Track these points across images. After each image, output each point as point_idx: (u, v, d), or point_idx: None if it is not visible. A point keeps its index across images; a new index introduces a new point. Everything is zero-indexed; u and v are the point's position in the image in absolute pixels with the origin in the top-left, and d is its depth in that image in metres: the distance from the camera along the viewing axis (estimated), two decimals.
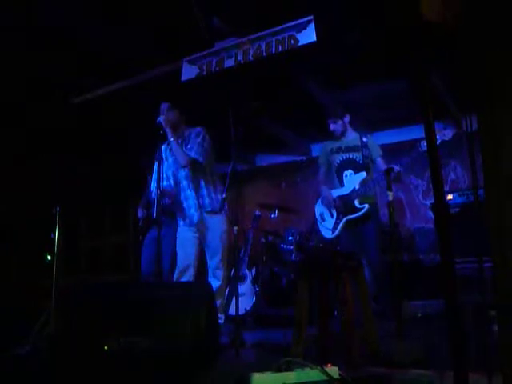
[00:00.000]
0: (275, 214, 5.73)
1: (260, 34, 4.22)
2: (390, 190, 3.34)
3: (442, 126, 4.04)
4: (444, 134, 3.92)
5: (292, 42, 4.05)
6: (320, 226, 4.64)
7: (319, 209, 4.69)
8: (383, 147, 4.66)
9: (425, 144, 3.93)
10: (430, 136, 1.84)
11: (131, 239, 6.13)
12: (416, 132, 5.80)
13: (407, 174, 6.35)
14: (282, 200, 7.29)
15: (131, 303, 2.39)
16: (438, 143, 3.94)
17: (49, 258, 4.79)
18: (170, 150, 4.05)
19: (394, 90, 5.41)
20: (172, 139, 3.84)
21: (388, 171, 3.52)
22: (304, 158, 7.59)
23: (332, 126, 4.59)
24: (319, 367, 2.19)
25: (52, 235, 4.43)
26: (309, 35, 3.89)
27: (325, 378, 2.16)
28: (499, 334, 1.42)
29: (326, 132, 4.71)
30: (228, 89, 4.69)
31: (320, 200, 4.68)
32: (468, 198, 4.91)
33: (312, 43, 3.86)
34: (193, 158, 3.88)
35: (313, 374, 2.18)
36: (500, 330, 1.41)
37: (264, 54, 4.18)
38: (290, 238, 5.37)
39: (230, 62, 4.34)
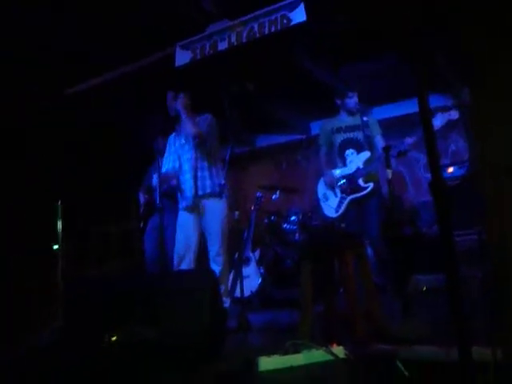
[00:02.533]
0: (277, 195, 5.71)
1: (252, 15, 4.18)
2: (389, 167, 3.34)
3: (450, 105, 4.02)
4: (450, 114, 3.89)
5: (285, 21, 4.01)
6: (323, 206, 4.64)
7: (322, 189, 4.69)
8: (390, 121, 4.64)
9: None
10: (424, 112, 1.83)
11: (136, 225, 6.16)
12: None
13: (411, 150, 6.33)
14: (283, 180, 7.28)
15: (136, 294, 2.41)
16: (444, 123, 3.92)
17: (56, 247, 4.81)
18: (178, 134, 4.13)
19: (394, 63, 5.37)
20: (184, 115, 3.98)
21: (386, 149, 3.51)
22: (304, 136, 7.54)
23: (348, 101, 4.58)
24: (325, 348, 2.22)
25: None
26: (301, 14, 3.85)
27: (331, 357, 2.20)
28: (497, 304, 1.43)
29: (324, 109, 4.69)
30: (223, 72, 4.66)
31: (322, 180, 4.67)
32: (469, 169, 4.90)
33: (304, 21, 3.82)
34: (202, 132, 3.94)
35: (319, 354, 2.21)
36: (497, 301, 1.42)
37: (257, 35, 4.14)
38: (293, 217, 5.36)
39: (223, 45, 4.31)
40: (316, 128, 7.05)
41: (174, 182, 4.14)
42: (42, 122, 5.27)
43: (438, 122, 3.88)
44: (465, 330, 1.65)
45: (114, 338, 2.23)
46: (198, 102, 4.12)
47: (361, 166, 4.40)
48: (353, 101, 4.58)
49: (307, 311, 2.90)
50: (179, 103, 4.00)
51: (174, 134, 4.23)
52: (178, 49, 4.52)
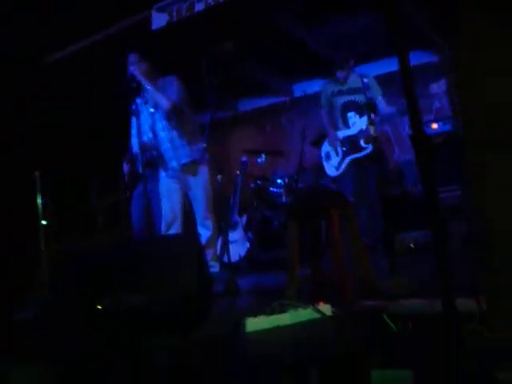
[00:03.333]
0: (262, 159, 5.68)
1: None
2: (372, 124, 3.33)
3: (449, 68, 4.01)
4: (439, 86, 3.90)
5: None
6: (325, 165, 4.85)
7: (325, 148, 4.87)
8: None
9: (434, 87, 3.97)
10: (404, 66, 1.79)
11: (122, 197, 6.11)
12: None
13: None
14: (268, 143, 7.25)
15: (121, 262, 2.38)
16: (445, 88, 3.95)
17: (44, 223, 4.77)
18: (145, 103, 3.97)
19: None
20: (149, 87, 3.76)
21: (369, 105, 3.51)
22: (287, 98, 7.47)
23: (338, 74, 4.69)
24: (311, 306, 2.22)
25: (43, 202, 4.41)
26: None
27: (318, 316, 2.20)
28: (481, 259, 1.43)
29: (307, 71, 4.68)
30: (200, 33, 4.54)
31: (327, 140, 4.83)
32: (453, 126, 4.89)
33: None
34: (175, 101, 3.80)
35: (306, 313, 2.21)
36: (482, 255, 1.41)
37: None
38: (279, 180, 5.35)
39: (200, 6, 4.19)
40: (298, 90, 6.98)
41: (154, 152, 4.07)
42: (16, 92, 5.14)
43: (440, 88, 3.97)
44: (449, 282, 1.66)
45: (99, 307, 2.21)
46: (162, 67, 3.98)
47: (363, 128, 4.48)
48: (342, 73, 4.67)
49: (294, 272, 2.90)
50: (137, 70, 3.78)
51: (140, 99, 4.03)
52: (154, 11, 4.39)
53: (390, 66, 6.25)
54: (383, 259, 3.91)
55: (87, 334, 2.24)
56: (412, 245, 4.49)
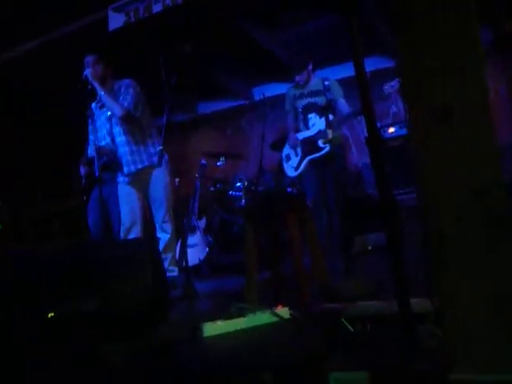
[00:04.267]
0: (222, 162, 5.67)
1: None
2: (330, 127, 3.35)
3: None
4: None
5: None
6: (285, 166, 4.83)
7: (286, 150, 4.86)
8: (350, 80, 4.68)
9: (386, 87, 4.04)
10: (360, 70, 1.81)
11: (79, 202, 5.98)
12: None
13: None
14: (227, 147, 7.22)
15: (73, 266, 2.31)
16: (397, 87, 4.01)
17: None
18: (101, 107, 3.90)
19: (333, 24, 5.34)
20: (102, 92, 3.67)
21: (327, 106, 3.54)
22: (247, 102, 7.48)
23: (297, 78, 4.69)
24: (269, 310, 2.21)
25: None
26: None
27: (276, 319, 2.19)
28: (430, 261, 1.44)
29: (267, 74, 4.68)
30: (158, 35, 4.48)
31: (287, 143, 4.82)
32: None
33: None
34: (128, 108, 3.73)
35: (264, 317, 2.20)
36: (430, 257, 1.43)
37: None
38: (239, 184, 5.34)
39: (158, 7, 4.13)
40: (258, 93, 6.99)
41: (112, 156, 4.00)
42: None
43: (392, 88, 4.03)
44: (404, 283, 1.68)
45: (51, 315, 2.14)
46: (126, 68, 3.91)
47: (322, 129, 4.49)
48: (301, 77, 4.66)
49: (252, 276, 2.89)
50: (91, 73, 3.66)
51: (96, 103, 3.95)
52: (110, 12, 4.31)
53: (351, 70, 6.35)
54: (341, 261, 3.94)
55: (35, 342, 2.17)
56: (370, 247, 4.55)
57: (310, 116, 4.66)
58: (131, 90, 3.79)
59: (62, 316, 2.21)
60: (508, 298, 1.33)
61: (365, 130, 5.67)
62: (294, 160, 4.72)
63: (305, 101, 4.69)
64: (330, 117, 4.50)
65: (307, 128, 4.67)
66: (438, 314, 1.73)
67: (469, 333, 1.35)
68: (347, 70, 6.22)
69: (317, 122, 4.57)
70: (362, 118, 6.71)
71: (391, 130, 5.29)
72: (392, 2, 1.44)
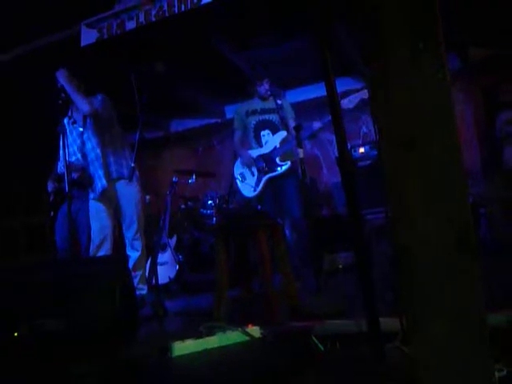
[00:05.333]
0: (193, 180, 5.67)
1: None
2: (301, 146, 3.38)
3: (364, 85, 4.13)
4: (365, 93, 3.98)
5: (195, 0, 3.91)
6: (241, 186, 4.64)
7: (238, 169, 4.68)
8: (302, 104, 4.71)
9: (345, 102, 4.03)
10: (331, 91, 1.85)
11: (46, 217, 5.87)
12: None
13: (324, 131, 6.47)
14: (199, 165, 7.22)
15: (39, 284, 2.27)
16: (357, 102, 4.03)
17: None
18: (73, 122, 3.88)
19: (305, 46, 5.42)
20: (72, 90, 3.66)
21: (297, 128, 3.55)
22: (219, 120, 7.51)
23: (259, 89, 4.64)
24: (240, 329, 2.20)
25: None
26: None
27: (247, 338, 2.18)
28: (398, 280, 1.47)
29: (239, 93, 4.68)
30: (130, 52, 4.48)
31: (239, 161, 4.68)
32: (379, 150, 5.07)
33: (214, 1, 3.75)
34: (96, 107, 3.72)
35: (234, 336, 2.19)
36: (399, 277, 1.45)
37: (166, 14, 4.01)
38: (210, 202, 5.33)
39: (131, 24, 4.14)
40: (230, 112, 7.03)
41: (82, 173, 3.97)
42: None
43: (351, 103, 4.01)
44: (372, 302, 1.70)
45: (15, 334, 2.09)
46: (90, 85, 3.90)
47: (278, 146, 4.45)
48: (263, 88, 4.63)
49: (222, 294, 2.87)
50: (61, 77, 3.66)
51: (67, 119, 3.96)
52: (83, 28, 4.29)
53: (315, 91, 6.48)
54: (311, 279, 3.96)
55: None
56: (340, 265, 4.57)
57: (262, 133, 4.58)
58: (100, 99, 3.83)
59: (27, 335, 2.16)
60: (472, 319, 1.36)
61: (335, 150, 5.78)
62: (251, 179, 4.56)
63: (258, 117, 4.62)
64: (284, 133, 4.47)
65: (260, 145, 4.59)
66: (405, 333, 1.76)
67: (434, 350, 1.38)
68: (318, 91, 6.38)
69: (270, 140, 4.52)
70: (332, 139, 6.85)
71: (361, 150, 5.37)
72: (362, 31, 1.48)
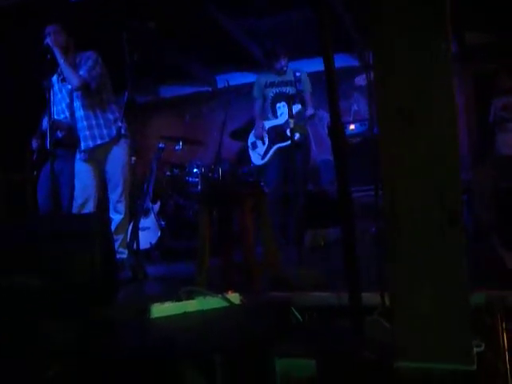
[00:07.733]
0: (180, 146, 5.63)
1: None
2: (292, 117, 3.37)
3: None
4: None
5: None
6: (251, 154, 4.89)
7: (251, 138, 4.92)
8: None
9: (359, 79, 4.09)
10: (328, 61, 1.80)
11: (29, 175, 5.78)
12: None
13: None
14: (186, 132, 7.14)
15: (20, 240, 2.23)
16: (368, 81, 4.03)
17: None
18: (62, 80, 3.78)
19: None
20: (62, 60, 3.54)
21: (289, 99, 3.58)
22: (209, 89, 7.42)
23: (275, 64, 4.78)
24: (220, 295, 2.19)
25: None
26: None
27: (226, 304, 2.17)
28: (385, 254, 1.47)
29: (231, 63, 4.70)
30: (122, 9, 4.35)
31: (253, 131, 4.89)
32: (369, 127, 5.06)
33: None
34: (84, 77, 3.62)
35: (214, 301, 2.18)
36: (386, 250, 1.45)
37: None
38: (196, 170, 5.31)
39: None
40: (222, 81, 6.95)
41: (68, 132, 3.89)
42: None
43: (362, 81, 4.11)
44: (355, 275, 1.69)
45: None
46: (88, 41, 3.78)
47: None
48: (279, 64, 4.77)
49: (204, 260, 2.85)
50: (52, 41, 3.53)
51: (57, 76, 3.85)
52: None
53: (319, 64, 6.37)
54: (294, 252, 3.96)
55: None
56: (322, 242, 4.59)
57: (278, 105, 4.75)
58: (90, 61, 3.67)
59: (4, 289, 2.13)
60: (457, 294, 1.36)
61: (325, 127, 5.77)
62: (261, 148, 4.78)
63: (275, 89, 4.78)
64: (298, 106, 4.58)
65: (275, 116, 4.76)
66: (385, 307, 1.76)
67: (416, 323, 1.38)
68: (314, 65, 6.30)
69: (285, 111, 4.62)
70: (322, 116, 6.81)
71: (352, 127, 5.38)
72: (362, 4, 1.45)
